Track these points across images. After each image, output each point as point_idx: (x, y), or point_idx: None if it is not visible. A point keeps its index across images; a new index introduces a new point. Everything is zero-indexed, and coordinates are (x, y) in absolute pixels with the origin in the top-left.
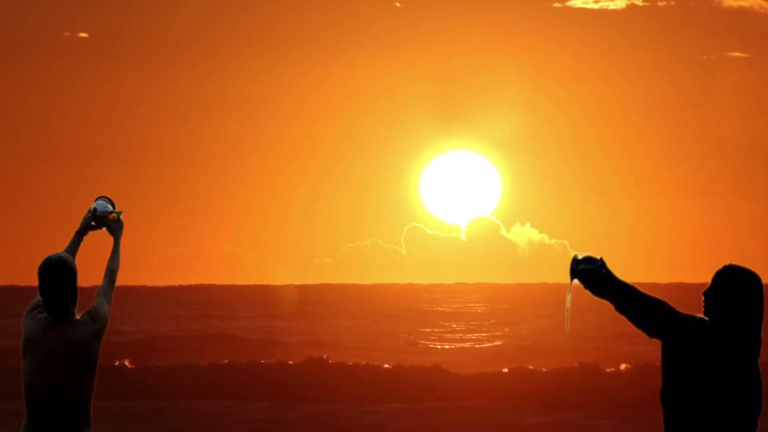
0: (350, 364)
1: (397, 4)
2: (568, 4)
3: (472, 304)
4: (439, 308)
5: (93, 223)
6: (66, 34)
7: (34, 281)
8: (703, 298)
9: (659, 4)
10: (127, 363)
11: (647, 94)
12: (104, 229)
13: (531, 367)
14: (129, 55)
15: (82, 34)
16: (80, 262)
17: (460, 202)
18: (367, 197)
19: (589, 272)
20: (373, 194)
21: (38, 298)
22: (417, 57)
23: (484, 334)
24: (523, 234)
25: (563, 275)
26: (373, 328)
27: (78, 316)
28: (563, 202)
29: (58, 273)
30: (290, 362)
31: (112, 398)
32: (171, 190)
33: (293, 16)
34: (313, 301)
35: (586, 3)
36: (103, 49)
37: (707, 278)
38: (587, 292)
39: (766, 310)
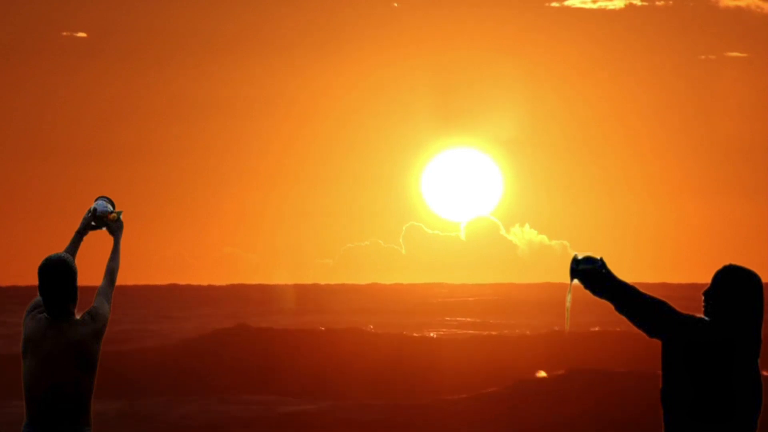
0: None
1: (395, 4)
2: (565, 3)
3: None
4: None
5: (93, 223)
6: (65, 33)
7: (34, 281)
8: (703, 298)
9: (657, 3)
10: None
11: (647, 94)
12: (104, 229)
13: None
14: (127, 55)
15: (81, 34)
16: (80, 262)
17: (461, 200)
18: (367, 197)
19: (589, 272)
20: (373, 194)
21: (38, 298)
22: (415, 56)
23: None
24: (523, 235)
25: (563, 275)
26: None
27: (78, 316)
28: (563, 202)
29: (58, 273)
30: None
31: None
32: (170, 190)
33: (292, 16)
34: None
35: (584, 3)
36: (101, 49)
37: (706, 278)
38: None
39: (766, 310)
